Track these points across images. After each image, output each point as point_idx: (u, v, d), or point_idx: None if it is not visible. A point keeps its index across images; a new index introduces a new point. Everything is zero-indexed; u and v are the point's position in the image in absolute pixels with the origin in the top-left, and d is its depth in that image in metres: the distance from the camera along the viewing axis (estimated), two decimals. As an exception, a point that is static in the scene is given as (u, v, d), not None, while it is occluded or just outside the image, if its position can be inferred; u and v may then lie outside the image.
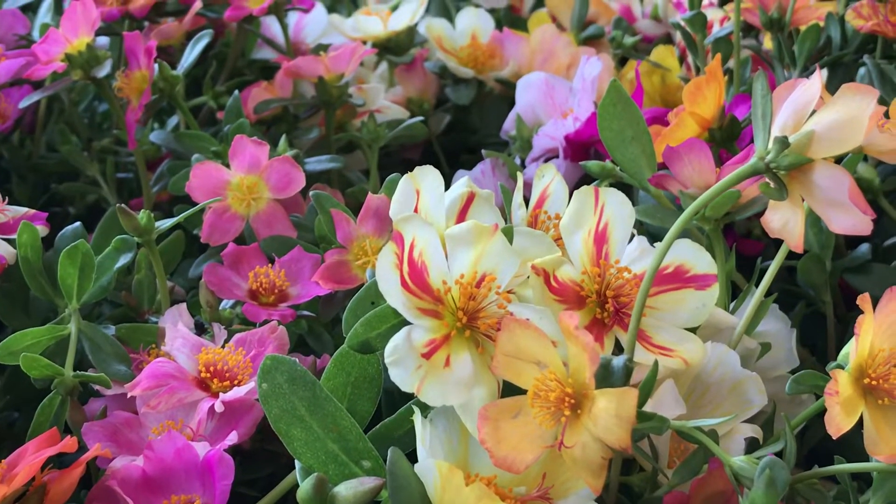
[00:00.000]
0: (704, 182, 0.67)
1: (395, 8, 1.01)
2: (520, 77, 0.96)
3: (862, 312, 0.74)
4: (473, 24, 0.98)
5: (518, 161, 0.89)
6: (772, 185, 0.50)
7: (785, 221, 0.51)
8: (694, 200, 0.66)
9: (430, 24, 0.97)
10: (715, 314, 0.62)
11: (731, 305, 0.68)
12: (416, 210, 0.58)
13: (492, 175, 0.85)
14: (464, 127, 0.99)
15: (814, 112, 0.50)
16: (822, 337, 0.77)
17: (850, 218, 0.48)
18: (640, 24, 1.16)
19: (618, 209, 0.60)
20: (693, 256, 0.59)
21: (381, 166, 0.96)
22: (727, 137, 0.74)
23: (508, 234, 0.56)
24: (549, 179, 0.67)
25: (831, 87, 0.88)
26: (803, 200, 0.49)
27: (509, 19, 1.09)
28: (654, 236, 0.76)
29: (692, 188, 0.67)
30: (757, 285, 0.66)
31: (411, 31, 0.98)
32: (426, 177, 0.58)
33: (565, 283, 0.58)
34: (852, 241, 0.84)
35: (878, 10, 0.85)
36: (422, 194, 0.58)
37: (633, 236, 0.65)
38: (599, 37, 1.07)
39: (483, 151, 0.86)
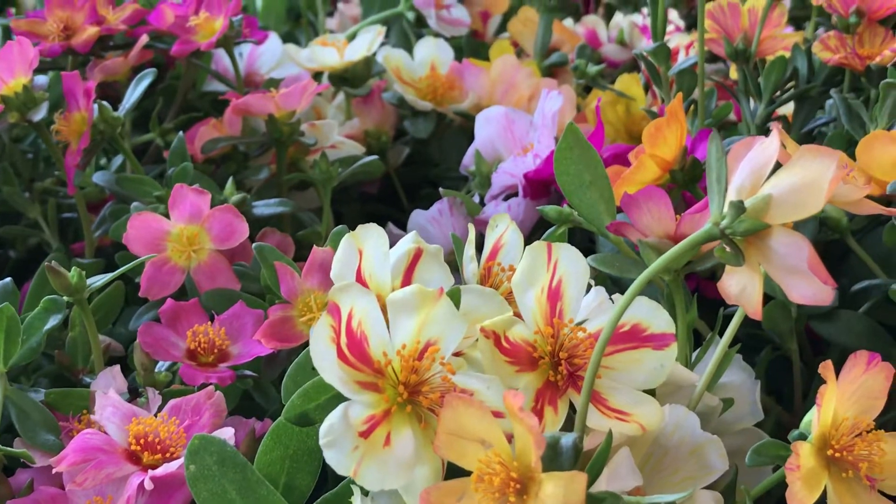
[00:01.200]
0: (664, 230, 0.65)
1: (352, 37, 0.98)
2: (480, 109, 0.93)
3: (829, 357, 0.72)
4: (432, 54, 0.95)
5: (477, 198, 0.86)
6: (728, 250, 0.48)
7: (742, 287, 0.48)
8: (653, 250, 0.65)
9: (388, 54, 0.94)
10: (674, 371, 0.60)
11: (694, 355, 0.65)
12: (358, 270, 0.55)
13: (449, 214, 0.82)
14: (424, 160, 0.97)
15: (774, 172, 0.48)
16: (788, 383, 0.74)
17: (810, 287, 0.45)
18: (605, 49, 1.14)
19: (572, 265, 0.57)
20: (650, 314, 0.57)
21: (337, 201, 0.93)
22: (689, 179, 0.72)
23: (455, 296, 0.53)
24: (503, 229, 0.64)
25: (798, 122, 0.87)
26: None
27: (471, 46, 1.06)
28: (615, 281, 0.74)
29: (651, 236, 0.65)
30: (721, 333, 0.64)
31: (368, 61, 0.96)
32: (369, 236, 0.55)
33: (517, 343, 0.56)
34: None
35: (846, 42, 0.83)
36: (365, 254, 0.55)
37: (590, 286, 0.63)
38: (563, 64, 1.05)
39: (441, 190, 0.83)
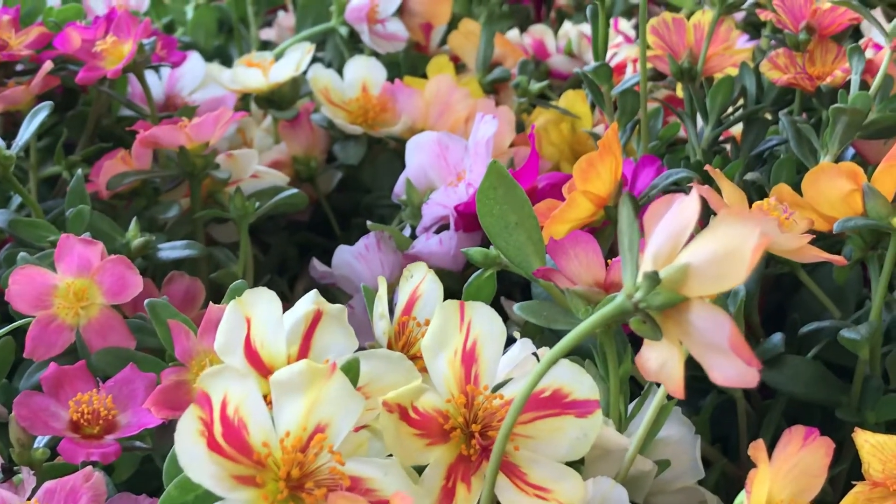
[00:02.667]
0: (593, 277, 0.60)
1: (280, 56, 0.93)
2: (415, 132, 0.88)
3: (778, 402, 0.67)
4: (363, 74, 0.90)
5: (409, 231, 0.81)
6: (645, 322, 0.43)
7: (662, 363, 0.43)
8: (581, 299, 0.60)
9: (316, 75, 0.89)
10: (603, 435, 0.55)
11: (630, 408, 0.61)
12: (247, 339, 0.50)
13: (377, 249, 0.77)
14: (357, 185, 0.91)
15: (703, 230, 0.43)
16: (736, 428, 0.70)
17: (733, 367, 0.40)
18: (552, 60, 1.10)
19: (487, 325, 0.52)
20: (573, 379, 0.52)
21: (264, 231, 0.88)
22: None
23: (352, 369, 0.48)
24: (419, 278, 0.59)
25: (746, 144, 0.82)
26: (683, 339, 0.42)
27: (411, 61, 1.01)
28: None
29: (580, 284, 0.60)
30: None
31: (296, 81, 0.90)
32: (257, 302, 0.50)
33: (427, 413, 0.51)
34: (770, 323, 0.78)
35: (796, 61, 0.79)
36: (254, 321, 0.50)
37: (514, 339, 0.58)
38: (506, 80, 1.00)
39: (368, 224, 0.78)
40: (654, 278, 0.41)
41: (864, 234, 0.64)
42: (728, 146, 0.84)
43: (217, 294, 0.79)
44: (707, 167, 0.60)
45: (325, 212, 0.90)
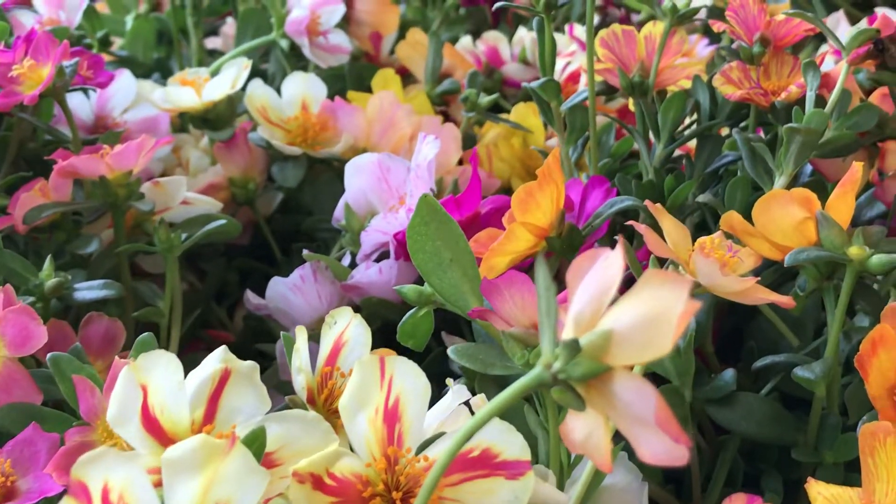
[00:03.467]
0: (529, 320, 0.57)
1: (216, 72, 0.89)
2: (357, 152, 0.84)
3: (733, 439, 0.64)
4: (303, 91, 0.86)
5: (348, 259, 0.77)
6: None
7: (588, 433, 0.40)
8: (518, 342, 0.56)
9: (252, 93, 0.84)
10: (539, 492, 0.51)
11: (573, 456, 0.57)
12: (144, 407, 0.46)
13: (313, 280, 0.73)
14: (299, 207, 0.87)
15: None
16: (688, 468, 0.66)
17: (661, 443, 0.37)
18: (507, 68, 1.06)
19: (410, 381, 0.49)
20: (503, 438, 0.49)
21: (200, 257, 0.84)
22: (569, 247, 0.63)
23: (257, 440, 0.45)
24: (343, 325, 0.56)
25: (700, 161, 0.78)
26: (609, 408, 0.39)
27: (356, 74, 0.97)
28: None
29: (516, 326, 0.56)
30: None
31: (232, 100, 0.86)
32: (154, 367, 0.46)
33: (345, 479, 0.47)
34: (726, 350, 0.75)
35: (749, 75, 0.75)
36: (151, 387, 0.46)
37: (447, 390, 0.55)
38: (455, 92, 0.96)
39: (304, 253, 0.74)
40: (573, 347, 0.37)
41: (818, 264, 0.61)
42: (684, 162, 0.81)
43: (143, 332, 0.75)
44: (647, 203, 0.56)
45: (265, 235, 0.86)
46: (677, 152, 0.82)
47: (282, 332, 0.57)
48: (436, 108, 0.98)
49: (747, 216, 0.69)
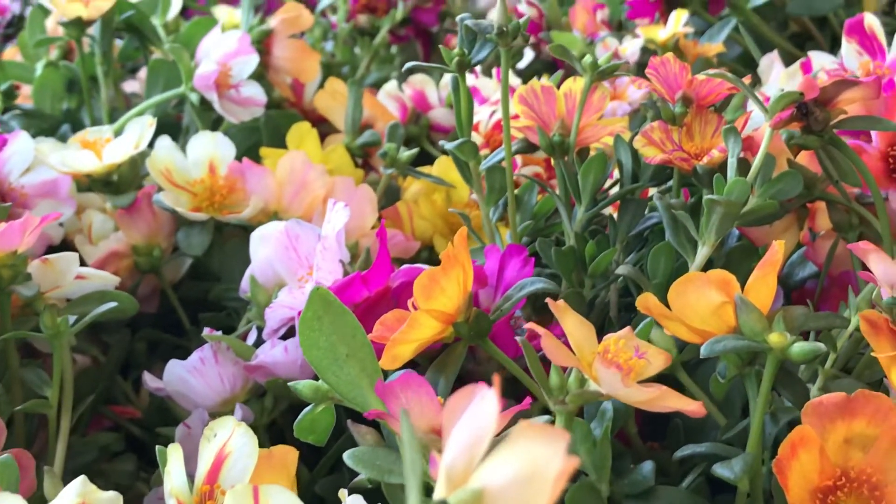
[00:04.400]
0: (428, 423, 0.53)
1: (119, 132, 0.84)
2: (268, 215, 0.80)
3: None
4: (210, 151, 0.81)
5: (255, 334, 0.73)
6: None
7: None
8: (420, 447, 0.52)
9: (155, 156, 0.80)
10: None
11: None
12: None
13: (214, 362, 0.69)
14: (208, 273, 0.83)
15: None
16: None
17: None
18: (434, 113, 1.02)
19: (288, 511, 0.45)
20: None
21: (103, 330, 0.79)
22: (477, 333, 0.60)
23: None
24: (225, 436, 0.52)
25: (623, 225, 0.75)
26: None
27: (272, 126, 0.93)
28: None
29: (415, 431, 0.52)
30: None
31: (135, 161, 0.82)
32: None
33: None
34: (652, 424, 0.71)
35: (672, 136, 0.72)
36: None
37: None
38: (376, 144, 0.92)
39: (204, 333, 0.69)
40: (441, 509, 0.34)
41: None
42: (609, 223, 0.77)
43: (31, 422, 0.71)
44: (548, 301, 0.52)
45: (172, 303, 0.82)
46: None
47: (157, 447, 0.53)
48: (357, 160, 0.94)
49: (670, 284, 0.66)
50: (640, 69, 1.07)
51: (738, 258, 0.72)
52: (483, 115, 0.95)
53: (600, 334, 0.73)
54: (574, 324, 0.50)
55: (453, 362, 0.59)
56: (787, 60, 1.01)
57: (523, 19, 0.72)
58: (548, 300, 0.50)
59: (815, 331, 0.64)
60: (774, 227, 0.71)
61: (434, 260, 0.87)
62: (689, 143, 0.72)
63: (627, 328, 0.53)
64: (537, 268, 0.77)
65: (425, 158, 1.00)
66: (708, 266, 0.75)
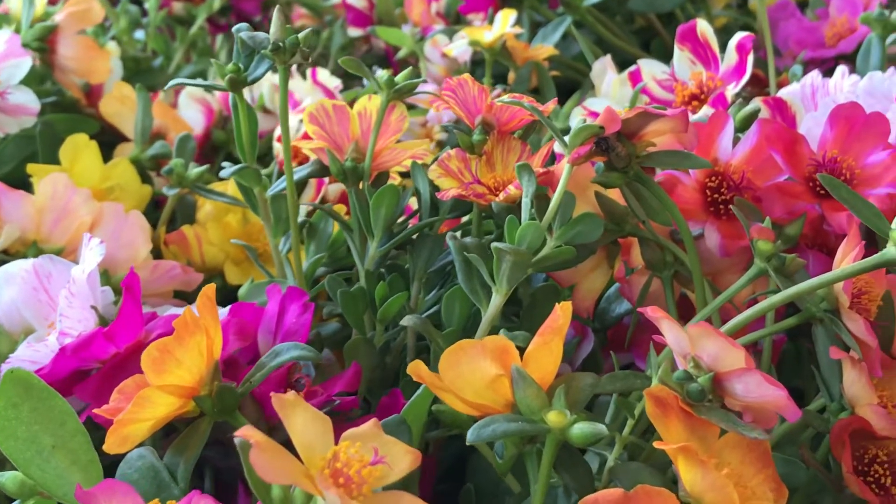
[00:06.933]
0: (140, 536, 0.45)
1: None
2: (27, 244, 0.71)
3: None
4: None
5: None
6: None
7: None
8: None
9: None
10: None
11: None
12: None
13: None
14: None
15: None
16: None
17: None
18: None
19: None
20: None
21: None
22: (222, 409, 0.52)
23: None
24: None
25: (420, 262, 0.68)
26: None
27: (48, 137, 0.82)
28: None
29: (124, 543, 0.44)
30: None
31: None
32: None
33: None
34: (446, 481, 0.65)
35: (470, 165, 0.65)
36: None
37: None
38: (168, 157, 0.82)
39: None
40: None
41: (514, 430, 0.50)
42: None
43: None
44: (273, 396, 0.44)
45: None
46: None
47: None
48: (152, 173, 0.85)
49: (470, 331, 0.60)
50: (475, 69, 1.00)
51: (542, 299, 0.65)
52: (293, 123, 0.87)
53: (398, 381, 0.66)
54: (304, 422, 0.43)
55: (195, 444, 0.51)
56: (630, 61, 0.95)
57: (302, 34, 0.63)
58: (272, 395, 0.43)
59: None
60: (582, 265, 0.65)
61: (229, 290, 0.78)
62: (488, 175, 0.65)
63: (372, 422, 0.46)
64: (333, 305, 0.70)
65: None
66: (513, 307, 0.69)
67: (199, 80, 0.65)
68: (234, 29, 0.65)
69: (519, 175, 0.58)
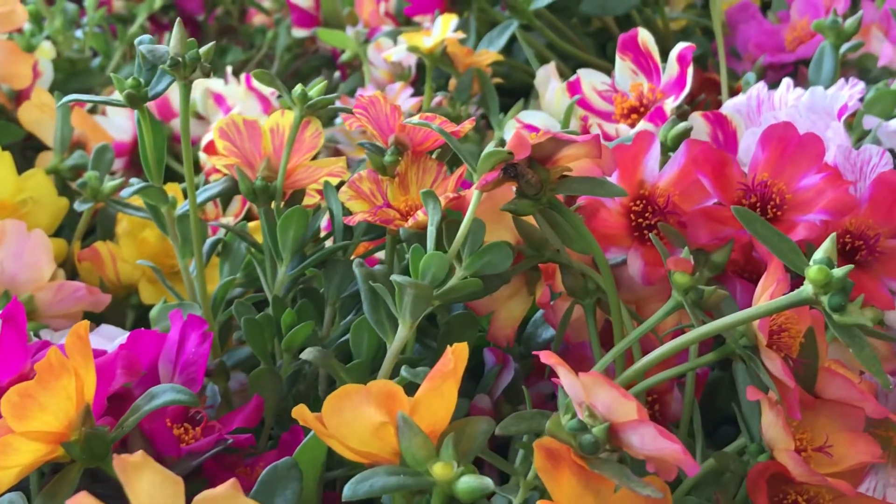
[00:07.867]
0: None
1: None
2: None
3: None
4: None
5: None
6: None
7: None
8: None
9: None
10: None
11: None
12: None
13: None
14: None
15: None
16: None
17: None
18: (176, 122, 0.89)
19: None
20: None
21: None
22: (91, 456, 0.49)
23: None
24: None
25: (332, 288, 0.65)
26: None
27: None
28: None
29: None
30: None
31: None
32: None
33: None
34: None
35: (382, 187, 0.62)
36: None
37: None
38: (84, 167, 0.79)
39: None
40: None
41: (400, 481, 0.48)
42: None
43: None
44: (115, 459, 0.41)
45: None
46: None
47: None
48: (72, 183, 0.81)
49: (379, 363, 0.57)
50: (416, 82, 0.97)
51: (458, 328, 0.62)
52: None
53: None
54: (151, 487, 0.39)
55: (64, 491, 0.48)
56: (584, 66, 0.91)
57: (203, 49, 0.60)
58: (114, 458, 0.40)
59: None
60: (499, 293, 0.62)
61: (144, 309, 0.75)
62: (401, 198, 0.62)
63: (231, 482, 0.43)
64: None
65: (169, 175, 0.88)
66: (429, 335, 0.66)
67: (94, 97, 0.61)
68: (135, 41, 0.62)
69: (424, 202, 0.55)
